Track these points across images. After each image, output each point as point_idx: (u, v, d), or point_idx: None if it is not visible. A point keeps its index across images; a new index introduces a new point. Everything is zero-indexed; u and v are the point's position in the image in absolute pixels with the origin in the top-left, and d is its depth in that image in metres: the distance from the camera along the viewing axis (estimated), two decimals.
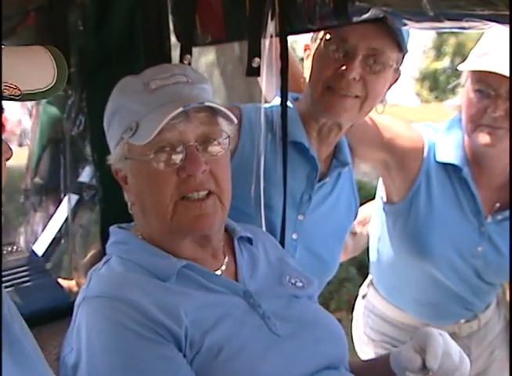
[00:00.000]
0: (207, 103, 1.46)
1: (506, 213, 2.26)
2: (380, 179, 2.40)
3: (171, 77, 1.51)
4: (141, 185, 1.52)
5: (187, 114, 1.44)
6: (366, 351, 2.62)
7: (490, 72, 2.02)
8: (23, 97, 1.07)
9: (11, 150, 1.13)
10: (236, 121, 1.54)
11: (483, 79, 2.07)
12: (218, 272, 1.58)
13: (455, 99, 2.27)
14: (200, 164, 1.46)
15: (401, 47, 1.87)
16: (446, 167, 2.26)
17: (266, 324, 1.51)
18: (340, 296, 5.73)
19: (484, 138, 2.11)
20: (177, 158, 1.46)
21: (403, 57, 1.93)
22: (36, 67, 1.11)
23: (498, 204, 2.27)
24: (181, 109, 1.41)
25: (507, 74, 1.98)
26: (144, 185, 1.51)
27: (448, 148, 2.25)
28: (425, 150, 2.25)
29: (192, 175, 1.46)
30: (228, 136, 1.54)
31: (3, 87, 1.04)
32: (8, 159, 1.12)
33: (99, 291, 1.43)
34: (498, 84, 2.04)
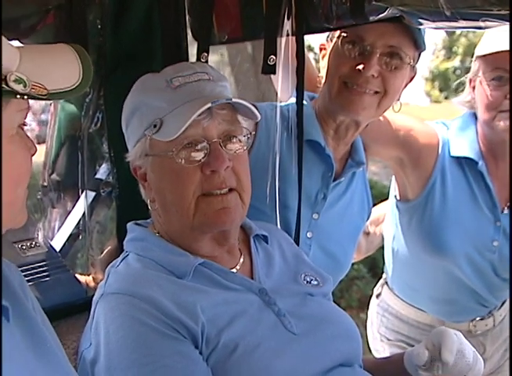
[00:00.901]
0: (234, 100, 1.48)
1: None
2: (393, 178, 2.40)
3: (193, 74, 1.52)
4: (163, 181, 1.52)
5: (210, 111, 1.45)
6: (381, 350, 2.63)
7: (506, 53, 2.01)
8: (49, 96, 1.09)
9: (35, 146, 1.15)
10: (259, 117, 1.55)
11: (499, 66, 2.08)
12: (234, 270, 1.59)
13: (462, 96, 2.27)
14: (224, 160, 1.47)
15: (418, 44, 1.89)
16: (461, 161, 2.26)
17: (281, 322, 1.52)
18: (350, 294, 5.73)
19: (504, 123, 2.11)
20: (201, 154, 1.47)
21: (419, 55, 1.94)
22: (62, 66, 1.13)
23: None
24: (209, 105, 1.42)
25: None
26: (166, 181, 1.51)
27: (463, 142, 2.26)
28: (439, 146, 2.26)
29: (215, 172, 1.47)
30: (250, 133, 1.55)
31: (31, 86, 1.05)
32: (33, 155, 1.14)
33: (117, 288, 1.45)
34: None
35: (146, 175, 1.56)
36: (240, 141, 1.53)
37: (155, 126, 1.48)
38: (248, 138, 1.55)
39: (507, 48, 2.02)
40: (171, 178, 1.50)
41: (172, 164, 1.48)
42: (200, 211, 1.49)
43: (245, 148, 1.55)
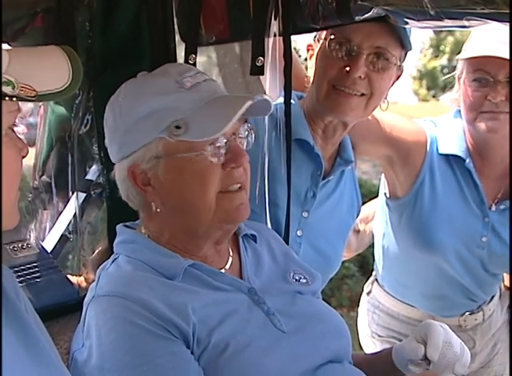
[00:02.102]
0: (265, 97, 1.49)
1: (509, 203, 2.29)
2: (383, 176, 2.42)
3: (197, 74, 1.53)
4: (181, 181, 1.50)
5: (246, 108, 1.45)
6: (372, 347, 2.64)
7: (490, 57, 2.04)
8: (38, 98, 1.09)
9: (27, 147, 1.15)
10: (270, 109, 1.56)
11: (480, 67, 2.10)
12: (223, 270, 1.60)
13: (451, 93, 2.29)
14: (245, 155, 1.50)
15: (404, 44, 1.90)
16: (449, 159, 2.28)
17: (271, 321, 1.53)
18: (341, 293, 5.76)
19: (486, 124, 2.13)
20: (222, 151, 1.48)
21: (406, 54, 1.96)
22: (51, 68, 1.13)
23: (500, 194, 2.30)
24: (250, 102, 1.43)
25: (507, 57, 2.00)
26: (187, 181, 1.50)
27: (451, 140, 2.28)
28: (428, 144, 2.28)
29: (236, 167, 1.49)
30: (252, 128, 1.56)
31: (19, 88, 1.06)
32: (24, 156, 1.15)
33: (107, 290, 1.45)
34: (496, 70, 2.07)
35: (151, 179, 1.52)
36: (245, 138, 1.55)
37: (178, 127, 1.45)
38: (250, 135, 1.56)
39: (490, 53, 2.05)
40: (193, 177, 1.49)
41: (195, 163, 1.47)
42: (221, 208, 1.50)
43: (248, 146, 1.56)
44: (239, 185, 1.52)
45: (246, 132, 1.55)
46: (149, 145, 1.49)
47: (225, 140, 1.48)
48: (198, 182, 1.49)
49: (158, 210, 1.54)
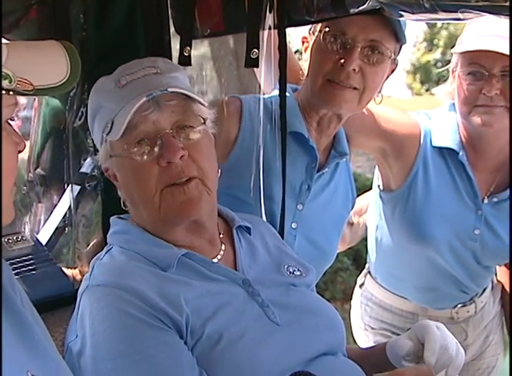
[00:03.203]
0: (170, 89, 1.48)
1: (502, 195, 2.29)
2: (377, 168, 2.43)
3: (140, 70, 1.53)
4: (127, 179, 1.54)
5: (158, 104, 1.46)
6: (365, 339, 2.65)
7: (485, 51, 2.04)
8: (35, 92, 1.09)
9: (24, 142, 1.15)
10: (205, 103, 1.55)
11: (475, 61, 2.10)
12: (215, 260, 1.61)
13: (445, 86, 2.29)
14: (177, 150, 1.47)
15: (398, 37, 1.90)
16: (442, 151, 2.28)
17: (265, 313, 1.54)
18: (334, 286, 5.76)
19: (481, 118, 2.13)
20: (155, 148, 1.48)
21: (400, 48, 1.96)
22: (49, 62, 1.13)
23: (493, 187, 2.30)
24: (144, 98, 1.44)
25: (503, 51, 2.00)
26: (129, 179, 1.53)
27: (444, 133, 2.28)
28: (421, 137, 2.28)
29: (171, 162, 1.47)
30: (204, 120, 1.54)
31: (16, 82, 1.06)
32: (21, 151, 1.15)
33: (101, 280, 1.46)
34: (491, 64, 2.06)
35: (116, 175, 1.58)
36: (195, 128, 1.52)
37: (107, 127, 1.49)
38: (205, 126, 1.55)
39: (486, 47, 2.04)
40: (132, 175, 1.52)
41: (130, 161, 1.49)
42: (165, 204, 1.50)
43: (202, 135, 1.54)
44: (184, 178, 1.50)
45: (201, 124, 1.54)
46: (103, 143, 1.55)
47: (156, 136, 1.48)
48: (137, 180, 1.51)
49: (127, 204, 1.59)
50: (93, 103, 1.58)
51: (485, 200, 2.30)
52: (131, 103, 1.45)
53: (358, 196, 2.40)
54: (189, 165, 1.50)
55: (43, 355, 1.21)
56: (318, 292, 1.81)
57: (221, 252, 1.64)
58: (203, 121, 1.54)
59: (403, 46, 1.98)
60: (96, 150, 1.86)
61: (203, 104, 1.54)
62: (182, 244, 1.57)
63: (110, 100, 1.51)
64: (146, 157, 1.48)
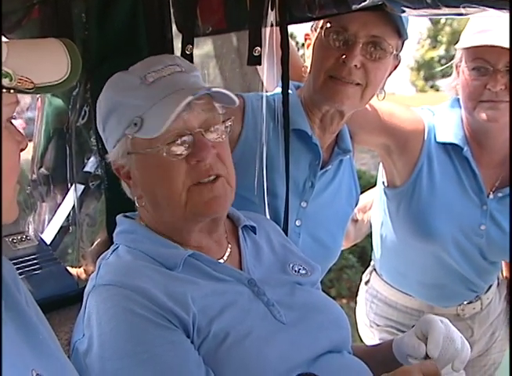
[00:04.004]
0: (214, 89, 1.49)
1: (507, 190, 2.29)
2: (381, 165, 2.42)
3: (165, 68, 1.52)
4: (150, 177, 1.54)
5: (189, 103, 1.45)
6: (371, 336, 2.65)
7: (490, 46, 2.03)
8: (36, 90, 1.09)
9: (26, 140, 1.15)
10: (237, 102, 1.55)
11: (480, 56, 2.09)
12: (222, 261, 1.61)
13: (449, 80, 2.28)
14: (209, 149, 1.49)
15: (400, 33, 1.89)
16: (447, 147, 2.28)
17: (270, 312, 1.54)
18: (340, 284, 5.77)
19: (486, 114, 2.12)
20: (185, 146, 1.48)
21: (403, 44, 1.95)
22: (50, 60, 1.13)
23: (498, 182, 2.30)
24: (190, 97, 1.43)
25: (507, 46, 1.99)
26: (154, 176, 1.53)
27: (448, 128, 2.27)
28: (425, 132, 2.27)
29: (201, 161, 1.48)
30: (228, 119, 1.56)
31: (17, 80, 1.06)
32: (23, 149, 1.15)
33: (108, 280, 1.46)
34: (496, 59, 2.06)
35: (130, 173, 1.57)
36: (220, 129, 1.54)
37: (135, 125, 1.48)
38: (226, 126, 1.56)
39: (490, 42, 2.03)
40: (158, 173, 1.51)
41: (157, 159, 1.49)
42: (192, 202, 1.50)
43: (225, 135, 1.56)
44: (212, 177, 1.51)
45: (222, 123, 1.55)
46: (121, 140, 1.53)
47: (187, 135, 1.48)
48: (163, 177, 1.51)
49: (142, 203, 1.58)
50: (110, 101, 1.55)
51: (490, 196, 2.29)
52: (167, 102, 1.45)
53: (362, 193, 2.39)
54: (216, 163, 1.52)
55: (48, 354, 1.21)
56: (323, 290, 1.81)
57: (228, 252, 1.64)
58: (225, 120, 1.56)
59: (406, 42, 1.97)
60: (100, 150, 1.87)
61: (233, 103, 1.55)
62: (192, 244, 1.57)
63: (136, 97, 1.49)
64: (175, 154, 1.48)
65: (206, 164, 1.49)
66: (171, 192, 1.50)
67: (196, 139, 1.48)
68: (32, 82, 1.08)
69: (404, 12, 1.67)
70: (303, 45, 2.05)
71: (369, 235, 2.72)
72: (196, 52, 1.87)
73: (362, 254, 5.61)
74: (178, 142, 1.48)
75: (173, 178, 1.49)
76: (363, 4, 1.66)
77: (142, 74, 1.51)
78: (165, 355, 1.37)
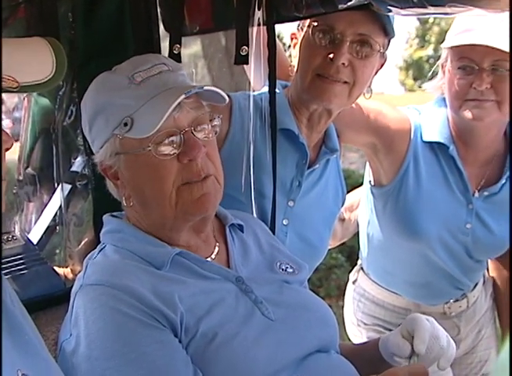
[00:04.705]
0: (206, 87, 1.49)
1: (492, 189, 2.30)
2: (368, 164, 2.43)
3: (152, 67, 1.51)
4: (139, 177, 1.53)
5: (179, 102, 1.45)
6: (358, 335, 2.65)
7: (475, 45, 2.04)
8: (20, 89, 1.09)
9: (11, 140, 1.15)
10: (227, 99, 1.55)
11: (465, 55, 2.10)
12: (209, 259, 1.61)
13: (435, 81, 2.29)
14: (200, 147, 1.48)
15: (387, 31, 1.90)
16: (433, 146, 2.29)
17: (259, 309, 1.54)
18: (329, 283, 5.77)
19: (472, 112, 2.13)
20: (176, 145, 1.48)
21: (389, 42, 1.96)
22: (35, 59, 1.13)
23: (484, 180, 2.31)
24: (183, 96, 1.43)
25: (493, 45, 2.01)
26: (144, 176, 1.52)
27: (434, 127, 2.28)
28: (412, 131, 2.28)
29: (193, 160, 1.48)
30: (215, 118, 1.56)
31: (1, 79, 1.05)
32: (8, 149, 1.14)
33: (95, 279, 1.45)
34: (481, 58, 2.06)
35: (118, 173, 1.56)
36: (208, 127, 1.54)
37: (126, 125, 1.47)
38: (214, 125, 1.56)
39: (475, 42, 2.04)
40: (149, 173, 1.50)
41: (148, 159, 1.48)
42: (182, 200, 1.50)
43: (212, 134, 1.56)
44: (202, 175, 1.51)
45: (210, 121, 1.55)
46: (110, 141, 1.52)
47: (177, 134, 1.48)
48: (154, 177, 1.50)
49: (131, 204, 1.57)
50: (96, 102, 1.54)
51: (476, 194, 2.30)
52: (158, 101, 1.45)
53: (350, 192, 2.39)
54: (207, 163, 1.52)
55: (33, 354, 1.21)
56: (312, 289, 1.81)
57: (215, 251, 1.64)
58: (213, 118, 1.56)
59: (394, 42, 1.98)
60: (87, 149, 1.87)
61: (223, 101, 1.55)
62: (180, 243, 1.57)
63: (124, 97, 1.48)
64: (166, 154, 1.47)
65: (197, 164, 1.49)
66: (161, 191, 1.50)
67: (186, 137, 1.48)
68: (16, 81, 1.07)
69: (390, 11, 1.67)
70: (289, 46, 2.05)
71: (357, 234, 2.73)
72: (185, 52, 1.87)
73: (350, 253, 5.61)
74: (169, 141, 1.47)
75: (163, 177, 1.49)
76: (350, 3, 1.67)
77: (130, 74, 1.50)
78: (153, 354, 1.37)
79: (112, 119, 1.50)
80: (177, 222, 1.55)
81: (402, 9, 1.60)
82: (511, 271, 2.54)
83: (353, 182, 3.53)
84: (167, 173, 1.49)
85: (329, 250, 2.31)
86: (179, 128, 1.48)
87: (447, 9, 1.50)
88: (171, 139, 1.47)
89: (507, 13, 1.80)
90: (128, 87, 1.49)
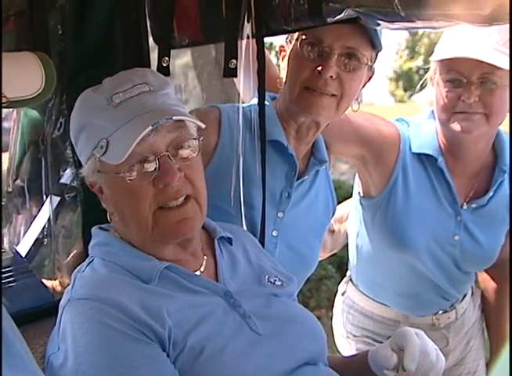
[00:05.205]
0: (174, 118, 1.46)
1: (480, 201, 2.31)
2: (357, 175, 2.43)
3: (133, 88, 1.50)
4: (118, 197, 1.53)
5: (155, 127, 1.44)
6: (348, 347, 2.65)
7: (463, 58, 2.05)
8: (9, 105, 1.09)
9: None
10: (203, 125, 1.53)
11: (454, 68, 2.11)
12: (198, 273, 1.61)
13: (425, 93, 2.30)
14: (175, 173, 1.47)
15: (375, 45, 1.91)
16: (421, 158, 2.30)
17: (247, 323, 1.54)
18: (319, 294, 5.76)
19: (460, 125, 2.14)
20: (150, 170, 1.47)
21: (377, 55, 1.96)
22: (24, 74, 1.13)
23: (472, 192, 2.32)
24: (150, 127, 1.41)
25: (482, 58, 2.02)
26: (121, 197, 1.52)
27: (423, 139, 2.29)
28: (401, 143, 2.28)
29: (167, 185, 1.47)
30: (198, 138, 1.54)
31: None
32: None
33: (83, 293, 1.45)
34: (469, 71, 2.08)
35: (102, 189, 1.57)
36: (190, 146, 1.52)
37: (101, 147, 1.46)
38: (199, 142, 1.55)
39: (463, 55, 2.06)
40: (125, 195, 1.50)
41: (124, 182, 1.47)
42: (159, 225, 1.50)
43: (196, 153, 1.54)
44: (182, 198, 1.51)
45: (193, 139, 1.53)
46: (91, 159, 1.52)
47: (152, 158, 1.46)
48: (130, 200, 1.50)
49: (115, 219, 1.58)
50: (79, 119, 1.54)
51: (464, 206, 2.31)
52: (131, 126, 1.43)
53: (340, 203, 2.40)
54: (184, 185, 1.51)
55: (21, 367, 1.20)
56: (302, 300, 1.81)
57: (204, 264, 1.64)
58: (196, 138, 1.54)
59: (384, 53, 1.99)
60: (76, 162, 1.86)
61: (200, 126, 1.53)
62: (166, 259, 1.57)
63: (102, 118, 1.48)
64: (140, 179, 1.47)
65: (173, 188, 1.48)
66: (137, 214, 1.50)
67: (161, 162, 1.47)
68: (5, 96, 1.07)
69: (379, 25, 1.68)
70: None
71: (347, 245, 2.74)
72: (177, 62, 1.87)
73: (341, 264, 5.61)
74: (143, 165, 1.47)
75: (139, 201, 1.48)
76: (338, 17, 1.67)
77: (109, 95, 1.49)
78: (141, 369, 1.37)
79: (91, 139, 1.50)
80: (156, 243, 1.55)
81: (390, 22, 1.61)
82: (511, 277, 2.56)
83: (344, 193, 3.53)
84: (143, 197, 1.48)
85: (320, 261, 2.31)
86: (155, 152, 1.47)
87: (435, 24, 1.51)
88: (145, 164, 1.46)
89: (495, 27, 1.83)
90: (106, 108, 1.48)
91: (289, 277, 1.77)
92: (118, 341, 1.38)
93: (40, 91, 1.12)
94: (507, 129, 2.27)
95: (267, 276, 1.71)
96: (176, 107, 1.51)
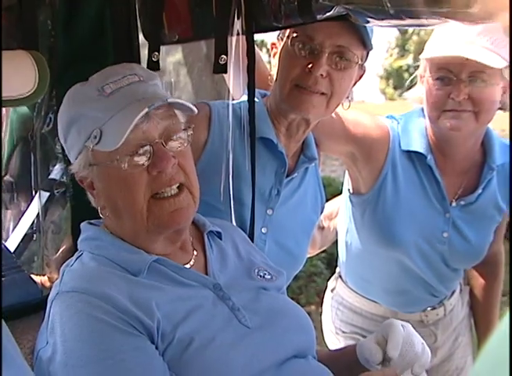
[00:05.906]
0: (169, 100, 1.48)
1: (469, 198, 2.32)
2: (347, 172, 2.44)
3: (123, 78, 1.51)
4: (111, 189, 1.53)
5: (148, 113, 1.45)
6: (337, 343, 2.65)
7: (453, 57, 2.07)
8: (4, 104, 1.08)
9: None
10: (196, 110, 1.55)
11: (443, 66, 2.12)
12: (188, 266, 1.61)
13: (415, 91, 2.31)
14: (169, 159, 1.48)
15: (365, 44, 1.91)
16: (411, 155, 2.30)
17: (236, 316, 1.54)
18: (309, 291, 5.77)
19: (449, 123, 2.15)
20: (144, 157, 1.48)
21: (368, 54, 1.97)
22: (17, 73, 1.12)
23: (461, 190, 2.33)
24: (146, 109, 1.43)
25: (471, 57, 2.03)
26: (115, 188, 1.52)
27: (412, 137, 2.30)
28: (390, 140, 2.29)
29: (162, 171, 1.48)
30: (189, 127, 1.56)
31: None
32: None
33: (71, 286, 1.45)
34: (459, 69, 2.09)
35: (93, 184, 1.57)
36: (181, 137, 1.54)
37: (95, 137, 1.47)
38: (188, 134, 1.56)
39: (453, 53, 2.07)
40: (119, 185, 1.51)
41: (118, 171, 1.48)
42: (153, 214, 1.51)
43: (186, 143, 1.55)
44: (175, 185, 1.52)
45: (184, 131, 1.55)
46: (83, 152, 1.53)
47: (146, 146, 1.47)
48: (125, 189, 1.50)
49: (106, 214, 1.57)
50: (70, 112, 1.54)
51: (453, 203, 2.32)
52: (124, 113, 1.45)
53: (330, 200, 2.40)
54: (178, 172, 1.51)
55: (9, 362, 1.20)
56: (292, 297, 1.81)
57: (193, 258, 1.65)
58: (186, 128, 1.55)
59: (375, 51, 1.99)
60: (65, 157, 1.86)
61: (191, 111, 1.55)
62: (157, 252, 1.57)
63: (94, 109, 1.48)
64: (135, 166, 1.47)
65: (167, 175, 1.49)
66: (132, 204, 1.50)
67: (155, 149, 1.48)
68: None
69: (368, 22, 1.69)
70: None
71: (337, 242, 2.74)
72: (169, 59, 1.87)
73: (330, 261, 5.62)
74: (138, 153, 1.47)
75: (134, 189, 1.49)
76: (328, 14, 1.68)
77: (100, 86, 1.50)
78: (130, 361, 1.37)
79: (83, 131, 1.50)
80: (150, 234, 1.55)
81: (379, 20, 1.61)
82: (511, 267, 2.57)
83: (334, 190, 3.54)
84: (137, 185, 1.48)
85: (309, 257, 2.32)
86: (149, 139, 1.48)
87: (424, 21, 1.52)
88: (140, 151, 1.47)
89: (484, 26, 1.84)
90: (97, 99, 1.49)
91: (278, 271, 1.78)
92: (107, 333, 1.38)
93: (33, 90, 1.12)
94: (507, 128, 2.28)
95: (256, 270, 1.72)
96: (168, 95, 1.53)
